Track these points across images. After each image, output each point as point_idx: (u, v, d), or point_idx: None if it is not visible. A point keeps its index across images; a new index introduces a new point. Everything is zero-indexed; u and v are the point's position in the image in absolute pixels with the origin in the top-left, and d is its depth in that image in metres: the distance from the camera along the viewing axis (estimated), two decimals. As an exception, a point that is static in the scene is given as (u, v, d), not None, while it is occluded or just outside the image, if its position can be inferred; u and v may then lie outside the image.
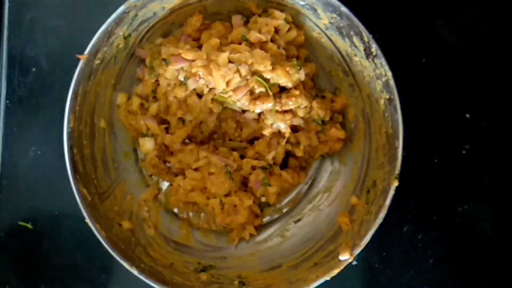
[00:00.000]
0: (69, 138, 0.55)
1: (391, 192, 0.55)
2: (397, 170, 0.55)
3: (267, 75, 0.58)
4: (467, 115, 0.67)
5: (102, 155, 0.61)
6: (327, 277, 0.54)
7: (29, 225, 0.66)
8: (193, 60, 0.57)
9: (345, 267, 0.55)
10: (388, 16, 0.68)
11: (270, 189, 0.60)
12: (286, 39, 0.61)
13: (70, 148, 0.56)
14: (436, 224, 0.66)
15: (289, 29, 0.61)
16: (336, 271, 0.55)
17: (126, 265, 0.54)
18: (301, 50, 0.63)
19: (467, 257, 0.66)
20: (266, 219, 0.65)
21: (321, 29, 0.60)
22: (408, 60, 0.67)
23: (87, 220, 0.55)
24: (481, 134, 0.67)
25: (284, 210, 0.65)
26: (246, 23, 0.62)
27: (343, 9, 0.56)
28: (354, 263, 0.66)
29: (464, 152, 0.67)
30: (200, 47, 0.60)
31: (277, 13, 0.60)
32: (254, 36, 0.59)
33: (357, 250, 0.55)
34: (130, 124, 0.62)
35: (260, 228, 0.64)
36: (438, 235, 0.66)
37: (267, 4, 0.61)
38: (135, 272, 0.54)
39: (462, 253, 0.66)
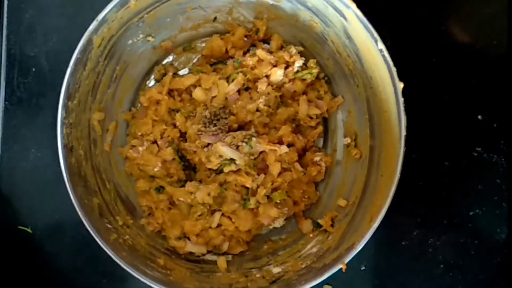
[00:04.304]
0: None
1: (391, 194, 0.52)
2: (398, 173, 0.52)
3: None
4: (479, 117, 0.65)
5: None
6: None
7: (28, 230, 0.65)
8: None
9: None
10: (398, 14, 0.66)
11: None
12: None
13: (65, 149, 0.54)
14: (447, 229, 0.65)
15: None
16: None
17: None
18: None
19: (479, 263, 0.64)
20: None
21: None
22: (418, 60, 0.65)
23: (85, 223, 0.53)
24: (494, 135, 0.65)
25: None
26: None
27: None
28: (363, 268, 0.65)
29: (475, 154, 0.65)
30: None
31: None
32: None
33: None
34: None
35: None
36: (449, 239, 0.65)
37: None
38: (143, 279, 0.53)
39: (474, 258, 0.64)
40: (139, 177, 0.62)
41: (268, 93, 0.59)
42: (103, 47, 0.56)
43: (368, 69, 0.56)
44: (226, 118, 0.59)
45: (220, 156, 0.57)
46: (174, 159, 0.60)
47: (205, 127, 0.58)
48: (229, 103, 0.60)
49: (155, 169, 0.60)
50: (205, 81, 0.60)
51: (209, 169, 0.59)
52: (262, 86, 0.59)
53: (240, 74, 0.59)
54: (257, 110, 0.59)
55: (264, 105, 0.59)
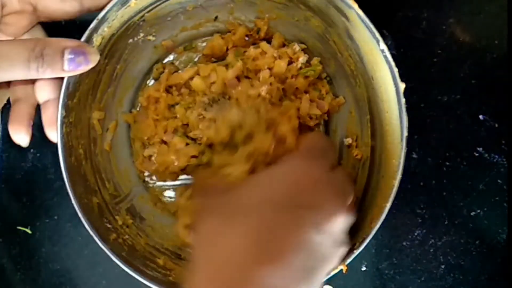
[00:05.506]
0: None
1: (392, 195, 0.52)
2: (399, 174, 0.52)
3: None
4: (480, 117, 0.65)
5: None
6: None
7: (28, 230, 0.65)
8: None
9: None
10: (398, 13, 0.66)
11: None
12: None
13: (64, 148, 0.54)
14: (448, 229, 0.65)
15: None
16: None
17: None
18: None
19: (480, 263, 0.64)
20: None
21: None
22: (419, 60, 0.65)
23: (84, 223, 0.53)
24: (495, 136, 0.65)
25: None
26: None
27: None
28: (363, 269, 0.64)
29: (477, 154, 0.65)
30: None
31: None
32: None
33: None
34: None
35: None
36: (450, 240, 0.64)
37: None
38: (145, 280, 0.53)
39: (475, 259, 0.64)
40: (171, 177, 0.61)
41: (271, 84, 0.59)
42: (104, 46, 0.56)
43: (370, 70, 0.56)
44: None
45: None
46: (187, 144, 0.59)
47: (205, 110, 0.58)
48: (228, 89, 0.59)
49: (175, 164, 0.59)
50: (203, 69, 0.60)
51: None
52: (264, 75, 0.59)
53: (240, 61, 0.59)
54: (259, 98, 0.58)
55: (267, 94, 0.58)
